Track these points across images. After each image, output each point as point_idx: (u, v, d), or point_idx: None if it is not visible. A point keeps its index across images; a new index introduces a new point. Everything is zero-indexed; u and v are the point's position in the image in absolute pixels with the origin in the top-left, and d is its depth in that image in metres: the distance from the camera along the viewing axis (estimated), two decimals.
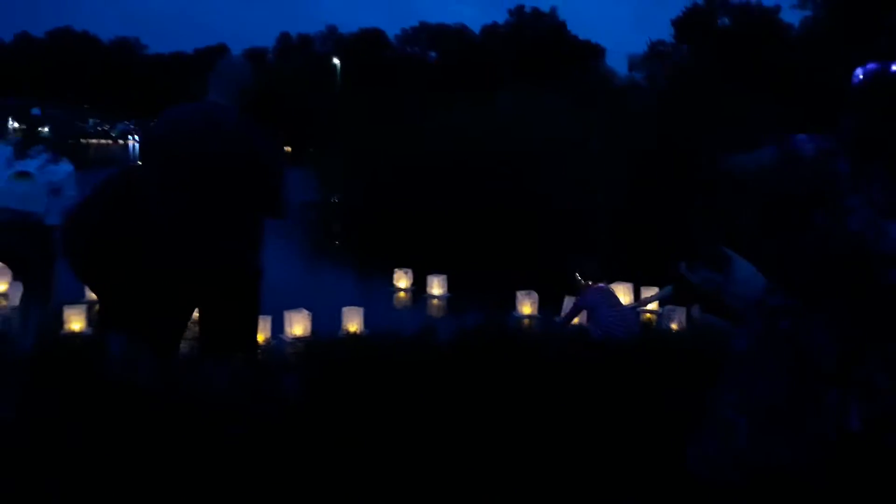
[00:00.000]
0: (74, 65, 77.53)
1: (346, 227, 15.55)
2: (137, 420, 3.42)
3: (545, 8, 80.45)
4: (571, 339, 5.50)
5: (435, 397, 3.99)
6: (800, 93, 15.68)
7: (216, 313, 3.14)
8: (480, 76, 41.23)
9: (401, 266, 8.18)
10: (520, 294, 6.72)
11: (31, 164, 4.69)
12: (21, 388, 3.97)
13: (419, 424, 3.60)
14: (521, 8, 74.67)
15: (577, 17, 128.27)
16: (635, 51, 60.68)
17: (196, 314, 3.42)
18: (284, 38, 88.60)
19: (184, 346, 3.53)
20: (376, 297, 7.90)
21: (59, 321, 5.43)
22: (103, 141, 58.48)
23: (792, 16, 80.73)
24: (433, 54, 78.40)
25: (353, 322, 5.76)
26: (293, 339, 5.45)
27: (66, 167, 4.84)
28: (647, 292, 6.95)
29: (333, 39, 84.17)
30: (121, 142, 58.59)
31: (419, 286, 7.93)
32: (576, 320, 5.81)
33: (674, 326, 6.10)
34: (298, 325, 5.57)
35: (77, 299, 5.77)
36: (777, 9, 46.86)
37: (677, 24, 51.66)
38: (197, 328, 3.38)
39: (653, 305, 6.80)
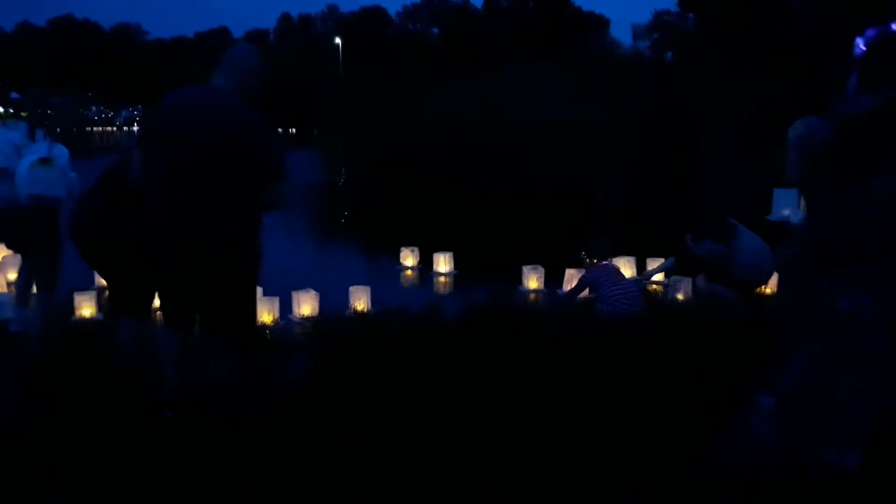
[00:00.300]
0: (76, 53, 77.33)
1: (352, 206, 15.57)
2: (147, 407, 3.48)
3: None
4: (578, 314, 5.52)
5: (443, 375, 4.02)
6: (806, 61, 15.50)
7: (216, 297, 3.17)
8: (484, 51, 40.85)
9: (407, 244, 8.19)
10: (526, 269, 6.73)
11: (42, 149, 4.79)
12: (30, 374, 4.03)
13: (427, 401, 3.64)
14: None
15: None
16: (640, 20, 60.01)
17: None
18: (285, 18, 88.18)
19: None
20: (383, 275, 7.93)
21: (70, 307, 5.48)
22: (108, 128, 58.50)
23: None
24: (435, 31, 77.81)
25: (360, 301, 5.79)
26: (301, 318, 5.49)
27: (64, 150, 5.00)
28: (653, 264, 6.96)
29: (334, 19, 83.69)
30: (125, 129, 58.62)
31: (426, 264, 7.95)
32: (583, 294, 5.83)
33: (680, 297, 6.11)
34: (306, 305, 5.61)
35: (86, 286, 5.82)
36: None
37: None
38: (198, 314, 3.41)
39: (658, 277, 6.81)
